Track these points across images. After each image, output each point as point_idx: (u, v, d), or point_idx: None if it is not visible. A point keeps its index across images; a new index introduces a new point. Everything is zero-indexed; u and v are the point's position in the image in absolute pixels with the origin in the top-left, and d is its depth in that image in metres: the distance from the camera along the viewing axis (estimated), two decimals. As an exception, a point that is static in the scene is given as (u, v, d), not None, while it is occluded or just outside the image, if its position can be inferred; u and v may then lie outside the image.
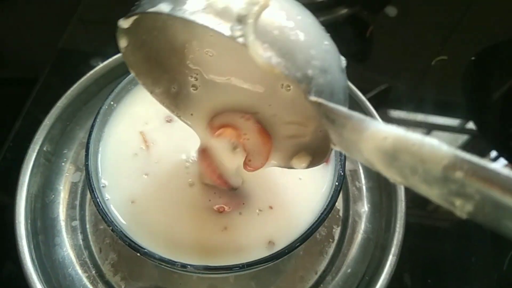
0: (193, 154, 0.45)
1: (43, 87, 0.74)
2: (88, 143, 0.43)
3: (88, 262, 0.52)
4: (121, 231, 0.39)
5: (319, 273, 0.52)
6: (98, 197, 0.41)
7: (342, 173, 0.43)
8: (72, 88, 0.58)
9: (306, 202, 0.43)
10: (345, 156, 0.44)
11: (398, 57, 0.86)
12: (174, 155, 0.45)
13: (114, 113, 0.47)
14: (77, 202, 0.55)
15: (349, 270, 0.52)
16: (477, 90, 0.85)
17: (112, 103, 0.47)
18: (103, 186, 0.43)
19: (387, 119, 0.75)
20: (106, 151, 0.45)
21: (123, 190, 0.43)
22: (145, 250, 0.39)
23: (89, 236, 0.53)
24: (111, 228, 0.39)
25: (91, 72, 0.59)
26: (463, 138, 0.77)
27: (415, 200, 0.69)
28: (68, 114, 0.57)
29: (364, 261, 0.52)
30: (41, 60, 0.80)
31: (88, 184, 0.42)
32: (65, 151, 0.57)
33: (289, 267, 0.53)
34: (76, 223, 0.54)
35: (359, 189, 0.57)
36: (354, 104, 0.60)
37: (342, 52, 0.31)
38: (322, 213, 0.41)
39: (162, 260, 0.38)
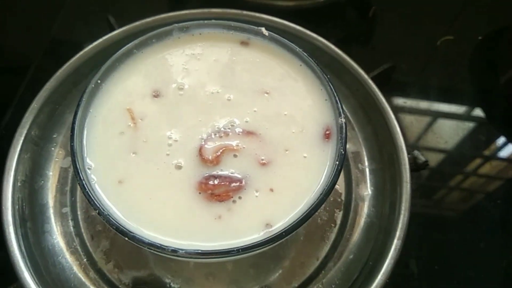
0: (180, 133, 0.42)
1: (35, 75, 0.72)
2: (73, 123, 0.41)
3: (79, 249, 0.50)
4: (107, 214, 0.37)
5: (320, 259, 0.50)
6: (83, 179, 0.38)
7: (343, 152, 0.40)
8: (61, 70, 0.55)
9: (309, 182, 0.40)
10: (346, 133, 0.41)
11: (402, 38, 0.82)
12: (162, 133, 0.42)
13: (100, 92, 0.44)
14: (68, 188, 0.53)
15: (351, 256, 0.50)
16: (484, 73, 0.82)
17: (99, 81, 0.44)
18: (89, 168, 0.41)
19: (391, 103, 0.72)
20: (92, 131, 0.42)
21: (110, 170, 0.40)
22: (133, 235, 0.36)
23: (80, 223, 0.51)
24: (97, 211, 0.37)
25: (81, 53, 0.57)
26: (469, 125, 0.74)
27: (421, 190, 0.67)
28: (57, 96, 0.55)
29: (367, 246, 0.50)
30: (32, 48, 0.79)
31: (73, 166, 0.39)
32: (54, 136, 0.55)
33: (289, 253, 0.51)
34: (67, 209, 0.52)
35: (362, 172, 0.55)
36: (357, 84, 0.57)
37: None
38: (321, 194, 0.39)
39: (151, 245, 0.36)
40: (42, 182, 0.52)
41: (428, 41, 0.82)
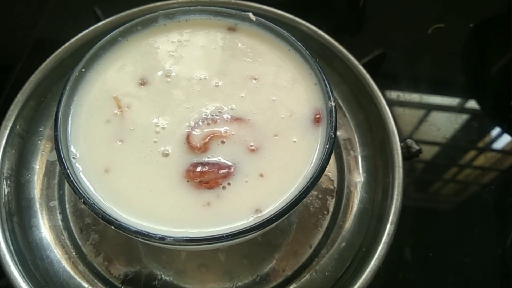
0: (167, 121, 0.41)
1: (21, 72, 0.71)
2: (57, 112, 0.40)
3: (68, 243, 0.49)
4: (93, 203, 0.36)
5: (313, 246, 0.49)
6: (68, 168, 0.37)
7: (332, 135, 0.40)
8: (46, 62, 0.54)
9: (299, 167, 0.40)
10: (335, 117, 0.41)
11: (393, 27, 0.82)
12: (149, 120, 0.42)
13: (85, 80, 0.43)
14: (55, 182, 0.52)
15: (344, 243, 0.49)
16: (476, 62, 0.81)
17: (83, 69, 0.43)
18: (73, 157, 0.40)
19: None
20: (77, 120, 0.42)
21: (96, 159, 0.39)
22: (120, 223, 0.35)
23: (69, 217, 0.50)
24: (82, 200, 0.36)
25: (66, 44, 0.56)
26: (463, 116, 0.73)
27: (416, 183, 0.67)
28: (42, 89, 0.54)
29: (360, 232, 0.49)
30: (18, 46, 0.77)
31: (57, 156, 0.38)
32: (41, 129, 0.54)
33: (283, 242, 0.50)
34: (55, 203, 0.51)
35: (354, 158, 0.54)
36: (348, 71, 0.57)
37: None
38: (311, 178, 0.38)
39: (138, 233, 0.35)
40: (29, 176, 0.51)
41: (419, 30, 0.81)
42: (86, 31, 0.57)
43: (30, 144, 0.53)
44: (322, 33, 0.57)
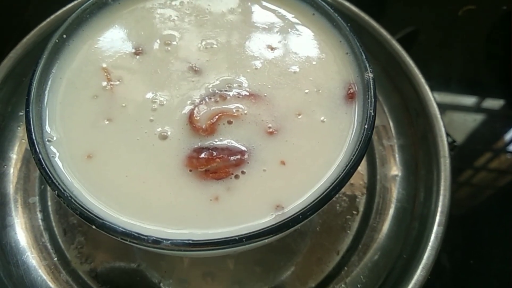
0: (166, 96, 0.34)
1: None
2: (30, 84, 0.33)
3: (49, 247, 0.42)
4: (69, 196, 0.28)
5: (341, 253, 0.42)
6: (40, 152, 0.30)
7: (372, 113, 0.32)
8: (28, 37, 0.47)
9: (330, 152, 0.32)
10: (374, 92, 0.33)
11: (421, 7, 0.74)
12: (144, 96, 0.34)
13: (67, 49, 0.36)
14: (37, 174, 0.45)
15: (379, 249, 0.41)
16: (506, 54, 0.72)
17: (64, 36, 0.36)
18: (49, 140, 0.32)
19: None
20: (56, 95, 0.34)
21: (78, 142, 0.32)
22: (103, 222, 0.28)
23: (51, 215, 0.43)
24: (56, 192, 0.29)
25: (52, 17, 0.49)
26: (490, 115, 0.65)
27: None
28: (23, 67, 0.47)
29: (398, 236, 0.42)
30: (7, 32, 0.70)
31: (28, 137, 0.31)
32: (20, 113, 0.47)
33: (303, 246, 0.43)
34: (35, 199, 0.44)
35: (389, 149, 0.46)
36: (379, 46, 0.49)
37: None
38: (346, 166, 0.30)
39: (126, 234, 0.27)
40: (5, 167, 0.44)
41: (449, 10, 0.73)
42: (75, 2, 0.49)
43: (7, 131, 0.46)
44: (347, 3, 0.49)
